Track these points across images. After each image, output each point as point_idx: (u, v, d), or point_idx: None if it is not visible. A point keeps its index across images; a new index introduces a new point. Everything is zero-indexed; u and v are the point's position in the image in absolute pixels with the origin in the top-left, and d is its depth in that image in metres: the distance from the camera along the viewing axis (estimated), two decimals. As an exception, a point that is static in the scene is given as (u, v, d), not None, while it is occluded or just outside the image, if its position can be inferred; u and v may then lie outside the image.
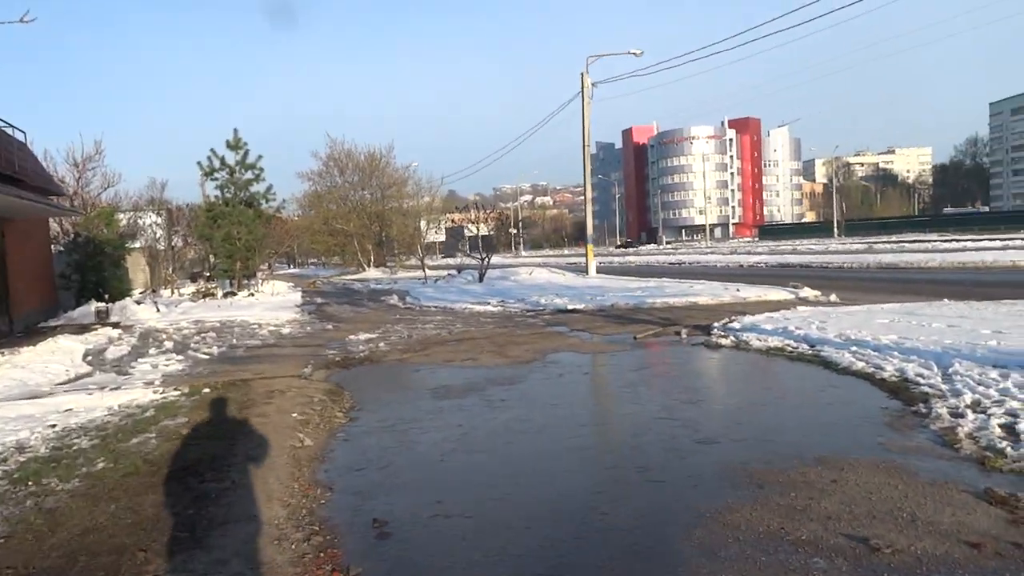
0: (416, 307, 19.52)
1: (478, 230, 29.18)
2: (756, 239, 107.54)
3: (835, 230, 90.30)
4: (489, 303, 18.54)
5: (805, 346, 9.41)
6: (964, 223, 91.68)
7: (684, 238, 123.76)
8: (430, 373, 9.28)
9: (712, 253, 50.54)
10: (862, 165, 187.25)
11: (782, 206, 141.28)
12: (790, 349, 9.39)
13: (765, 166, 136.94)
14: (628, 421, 6.41)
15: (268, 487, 4.89)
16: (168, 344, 12.68)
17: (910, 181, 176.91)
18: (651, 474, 4.88)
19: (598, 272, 28.76)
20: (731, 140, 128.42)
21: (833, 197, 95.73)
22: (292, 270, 72.32)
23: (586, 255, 28.62)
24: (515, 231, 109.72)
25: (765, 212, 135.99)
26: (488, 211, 27.48)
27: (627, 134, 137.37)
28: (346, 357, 10.77)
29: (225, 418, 6.88)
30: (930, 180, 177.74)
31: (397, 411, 7.21)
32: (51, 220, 21.44)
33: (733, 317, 12.47)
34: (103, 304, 18.14)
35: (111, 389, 8.40)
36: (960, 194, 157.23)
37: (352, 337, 12.97)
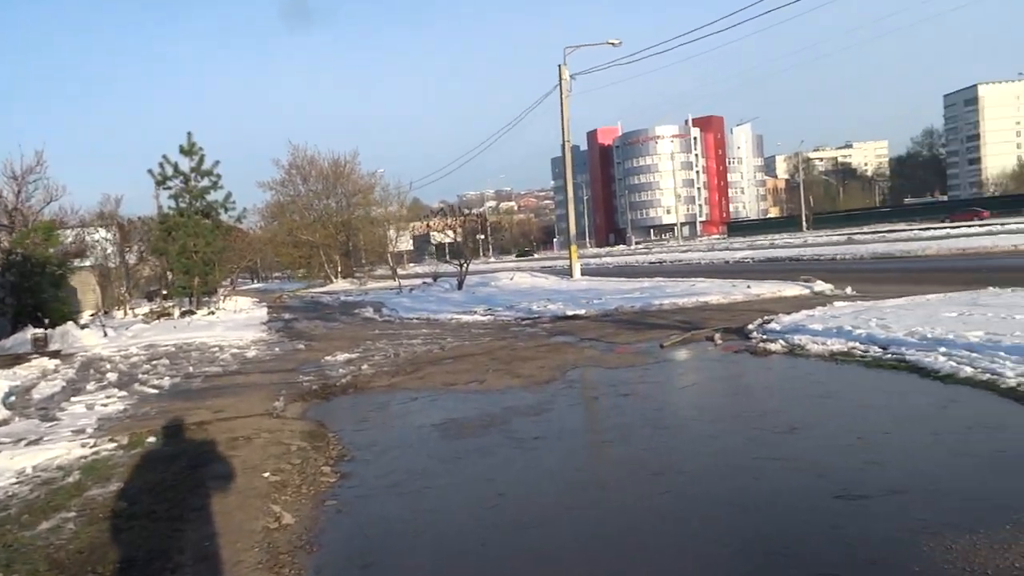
0: (395, 319, 17.74)
1: (455, 235, 27.46)
2: (725, 236, 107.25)
3: (803, 224, 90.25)
4: (475, 312, 16.85)
5: (876, 348, 7.90)
6: (927, 212, 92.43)
7: (652, 238, 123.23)
8: (430, 402, 7.58)
9: (689, 251, 49.42)
10: (821, 160, 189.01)
11: (747, 203, 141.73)
12: (859, 353, 7.87)
13: (729, 163, 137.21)
14: (720, 464, 4.79)
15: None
16: (111, 376, 10.78)
17: (869, 174, 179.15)
18: (822, 567, 3.25)
19: (583, 274, 27.24)
20: (695, 139, 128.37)
21: (801, 192, 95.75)
22: (256, 285, 69.73)
23: (570, 257, 27.10)
24: (483, 237, 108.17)
25: (731, 209, 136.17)
26: (464, 216, 25.78)
27: (592, 136, 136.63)
28: (325, 385, 9.00)
29: (172, 483, 5.12)
30: (888, 172, 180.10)
31: (401, 460, 5.52)
32: (-17, 239, 19.28)
33: (766, 317, 10.96)
34: (41, 330, 16.07)
35: (27, 444, 6.57)
36: (919, 185, 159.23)
37: (328, 359, 11.18)
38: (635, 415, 6.28)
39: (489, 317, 15.56)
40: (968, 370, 6.48)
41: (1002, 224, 47.74)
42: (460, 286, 25.17)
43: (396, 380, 8.99)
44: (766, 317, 10.96)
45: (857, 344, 8.21)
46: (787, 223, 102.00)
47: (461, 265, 25.38)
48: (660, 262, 38.44)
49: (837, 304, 11.47)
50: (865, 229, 73.02)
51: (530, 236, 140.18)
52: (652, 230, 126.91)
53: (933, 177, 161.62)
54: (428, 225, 54.67)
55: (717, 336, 9.95)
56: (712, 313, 13.08)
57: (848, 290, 15.11)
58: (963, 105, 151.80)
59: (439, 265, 32.90)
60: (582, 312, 14.60)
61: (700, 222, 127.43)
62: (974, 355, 6.92)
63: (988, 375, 6.25)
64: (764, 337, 9.44)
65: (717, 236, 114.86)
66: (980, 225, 45.69)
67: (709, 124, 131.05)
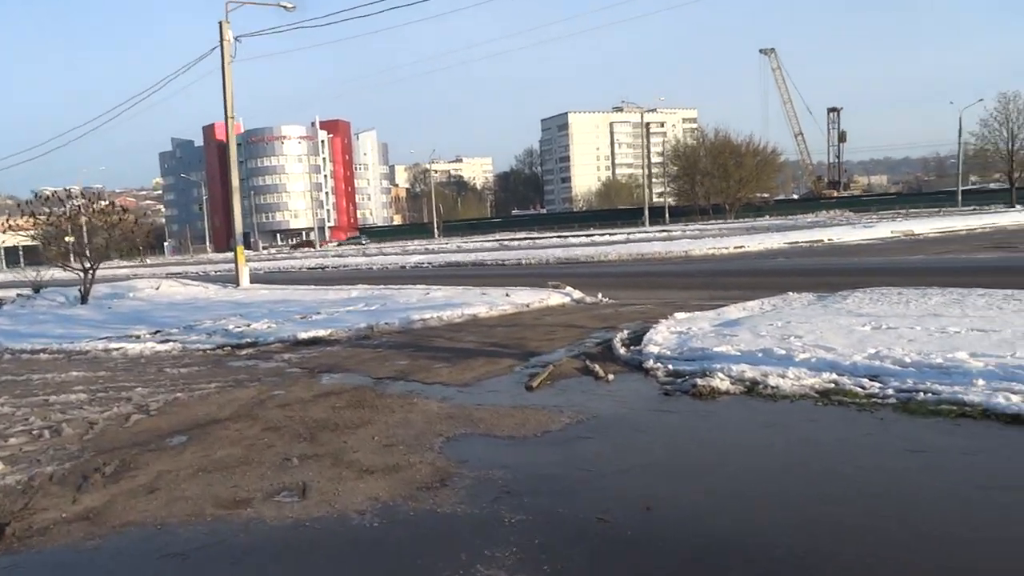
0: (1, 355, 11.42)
1: (66, 233, 20.10)
2: (362, 242, 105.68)
3: (435, 231, 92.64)
4: (140, 337, 11.52)
5: (869, 381, 5.71)
6: (534, 223, 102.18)
7: (280, 243, 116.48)
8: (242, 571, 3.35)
9: (347, 256, 45.96)
10: (436, 172, 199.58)
11: (374, 209, 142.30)
12: (861, 390, 5.58)
13: (356, 170, 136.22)
14: None
15: None
16: None
17: (479, 187, 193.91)
18: None
19: (252, 282, 22.26)
20: (323, 142, 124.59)
21: (433, 201, 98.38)
22: None
23: (236, 261, 21.92)
24: (71, 239, 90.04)
25: (359, 215, 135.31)
26: (54, 213, 19.02)
27: (209, 131, 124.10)
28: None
29: None
30: (493, 186, 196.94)
31: None
32: None
33: (610, 334, 8.34)
34: None
35: None
36: (521, 198, 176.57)
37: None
38: (621, 548, 3.02)
39: (171, 345, 10.52)
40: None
41: (644, 232, 53.34)
42: (85, 299, 18.51)
43: (98, 504, 4.32)
44: (612, 334, 8.36)
45: (834, 375, 5.94)
46: (420, 230, 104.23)
47: (86, 271, 18.65)
48: (322, 267, 34.42)
49: (679, 316, 9.33)
50: (499, 236, 77.03)
51: (135, 240, 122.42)
52: (279, 235, 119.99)
53: (533, 192, 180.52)
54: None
55: (597, 367, 7.00)
56: (508, 330, 10.14)
57: (600, 297, 13.46)
58: (557, 129, 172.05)
59: (36, 272, 24.72)
60: (324, 334, 10.50)
61: (329, 228, 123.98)
62: (1046, 387, 5.02)
63: None
64: (665, 367, 6.76)
65: (336, 243, 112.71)
66: (600, 233, 50.25)
67: (336, 128, 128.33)
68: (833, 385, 5.76)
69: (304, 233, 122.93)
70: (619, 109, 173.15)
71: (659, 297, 13.59)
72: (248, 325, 12.13)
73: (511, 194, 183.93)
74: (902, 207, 78.04)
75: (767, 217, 75.03)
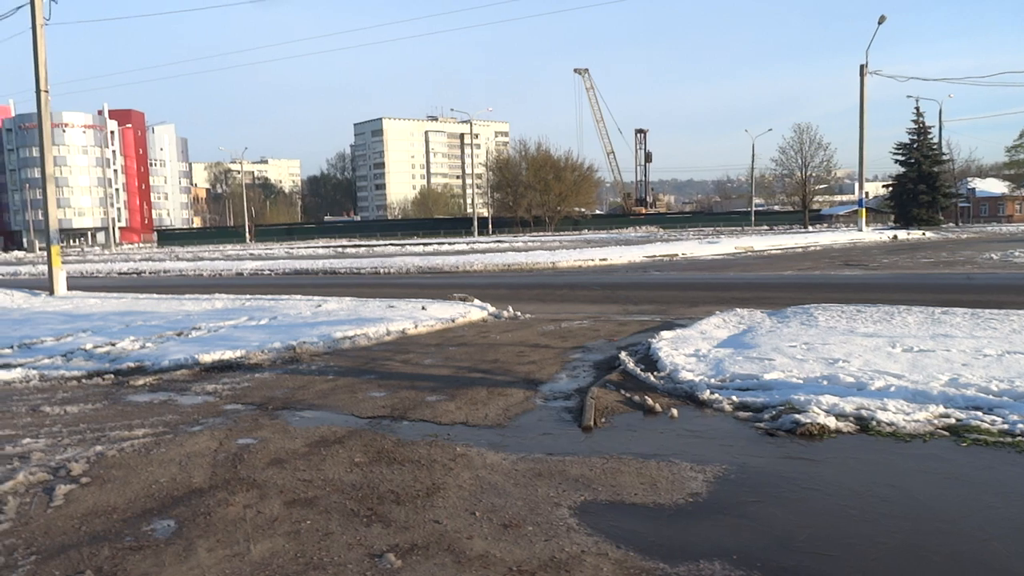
0: None
1: None
2: (154, 244, 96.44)
3: (247, 235, 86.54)
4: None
5: (996, 419, 5.10)
6: (360, 230, 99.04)
7: (69, 244, 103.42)
8: None
9: (160, 261, 41.09)
10: (239, 172, 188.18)
11: (172, 210, 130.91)
12: (1001, 428, 4.94)
13: (152, 166, 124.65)
14: None
15: None
16: None
17: (286, 190, 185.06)
18: None
19: (71, 289, 18.73)
20: (113, 133, 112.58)
21: (245, 203, 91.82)
22: None
23: (49, 263, 18.33)
24: None
25: (154, 216, 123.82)
26: None
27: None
28: None
29: None
30: (302, 190, 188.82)
31: None
32: None
33: (577, 354, 7.30)
34: None
35: None
36: (333, 204, 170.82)
37: None
38: None
39: (19, 372, 7.99)
40: None
41: (451, 243, 52.56)
42: None
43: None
44: (601, 355, 7.32)
45: (941, 408, 5.30)
46: (228, 234, 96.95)
47: None
48: (138, 272, 30.27)
49: (665, 334, 8.46)
50: (314, 243, 73.35)
51: None
52: (60, 234, 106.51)
53: (345, 198, 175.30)
54: None
55: (649, 400, 5.91)
56: (466, 351, 8.78)
57: (521, 313, 12.43)
58: (371, 135, 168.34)
59: None
60: (234, 356, 8.47)
61: (120, 228, 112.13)
62: None
63: None
64: (728, 399, 5.84)
65: (140, 244, 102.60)
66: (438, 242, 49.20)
67: (128, 118, 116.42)
68: (953, 420, 5.10)
69: (90, 233, 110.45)
70: (433, 118, 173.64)
71: (577, 311, 12.78)
72: (112, 344, 9.74)
73: (322, 199, 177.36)
74: (704, 225, 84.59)
75: (587, 231, 77.83)
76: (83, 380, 7.68)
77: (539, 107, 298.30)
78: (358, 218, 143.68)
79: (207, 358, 8.40)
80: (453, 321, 11.25)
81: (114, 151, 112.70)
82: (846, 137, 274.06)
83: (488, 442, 5.10)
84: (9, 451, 5.08)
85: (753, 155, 69.18)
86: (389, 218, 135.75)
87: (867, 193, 50.38)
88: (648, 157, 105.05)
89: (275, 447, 5.08)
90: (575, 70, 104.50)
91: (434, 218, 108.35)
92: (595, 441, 5.07)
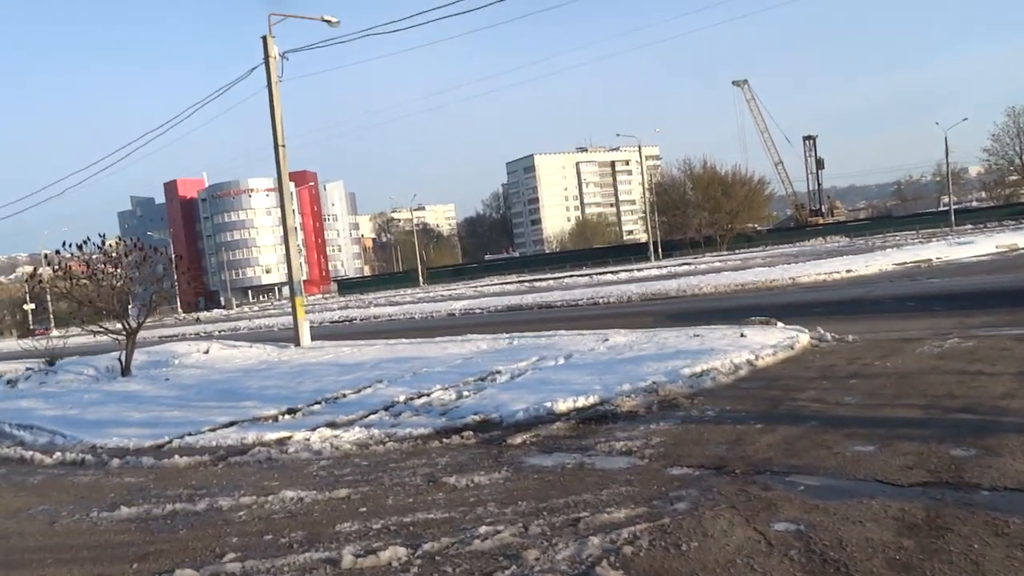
0: (64, 460, 7.72)
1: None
2: (334, 294, 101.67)
3: (420, 279, 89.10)
4: (270, 413, 8.13)
5: None
6: (525, 265, 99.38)
7: (251, 300, 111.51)
8: None
9: (357, 309, 42.27)
10: (401, 221, 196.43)
11: (345, 260, 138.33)
12: None
13: (325, 221, 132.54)
14: None
15: None
16: None
17: (444, 234, 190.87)
18: None
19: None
20: (292, 194, 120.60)
21: (417, 248, 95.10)
22: None
23: (294, 314, 18.44)
24: (122, 286, 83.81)
25: (330, 267, 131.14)
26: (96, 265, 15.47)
27: (171, 187, 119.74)
28: None
29: None
30: (459, 232, 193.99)
31: None
32: None
33: None
34: None
35: None
36: (490, 243, 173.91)
37: None
38: None
39: (369, 433, 7.12)
40: None
41: (639, 270, 50.82)
42: (127, 370, 14.83)
43: None
44: None
45: None
46: (401, 279, 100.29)
47: (128, 333, 14.96)
48: (349, 319, 30.85)
49: None
50: (486, 280, 74.02)
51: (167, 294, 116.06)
52: (251, 291, 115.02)
53: (502, 236, 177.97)
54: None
55: None
56: (891, 383, 7.02)
57: (843, 336, 10.46)
58: (523, 172, 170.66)
59: (35, 339, 20.89)
60: (588, 402, 7.21)
61: (302, 281, 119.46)
62: None
63: None
64: None
65: (321, 295, 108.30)
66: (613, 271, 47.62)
67: (303, 179, 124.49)
68: None
69: (276, 288, 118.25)
70: (583, 149, 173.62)
71: (905, 328, 10.69)
72: (424, 394, 8.83)
73: (478, 239, 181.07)
74: (896, 230, 76.95)
75: (765, 246, 73.35)
76: (443, 440, 6.63)
77: (689, 125, 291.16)
78: (517, 254, 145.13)
79: (561, 407, 7.17)
80: (792, 348, 9.53)
81: (293, 210, 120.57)
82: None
83: None
84: (486, 547, 3.88)
85: (947, 149, 62.37)
86: (547, 251, 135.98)
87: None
88: (820, 164, 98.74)
89: (848, 535, 3.57)
90: (733, 82, 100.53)
91: (595, 247, 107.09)
92: None
